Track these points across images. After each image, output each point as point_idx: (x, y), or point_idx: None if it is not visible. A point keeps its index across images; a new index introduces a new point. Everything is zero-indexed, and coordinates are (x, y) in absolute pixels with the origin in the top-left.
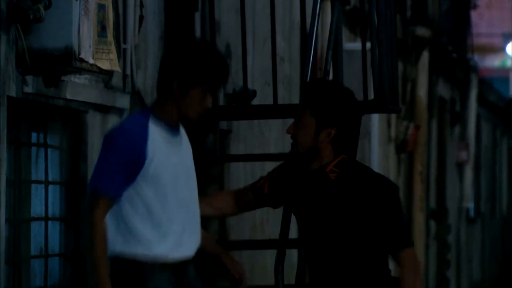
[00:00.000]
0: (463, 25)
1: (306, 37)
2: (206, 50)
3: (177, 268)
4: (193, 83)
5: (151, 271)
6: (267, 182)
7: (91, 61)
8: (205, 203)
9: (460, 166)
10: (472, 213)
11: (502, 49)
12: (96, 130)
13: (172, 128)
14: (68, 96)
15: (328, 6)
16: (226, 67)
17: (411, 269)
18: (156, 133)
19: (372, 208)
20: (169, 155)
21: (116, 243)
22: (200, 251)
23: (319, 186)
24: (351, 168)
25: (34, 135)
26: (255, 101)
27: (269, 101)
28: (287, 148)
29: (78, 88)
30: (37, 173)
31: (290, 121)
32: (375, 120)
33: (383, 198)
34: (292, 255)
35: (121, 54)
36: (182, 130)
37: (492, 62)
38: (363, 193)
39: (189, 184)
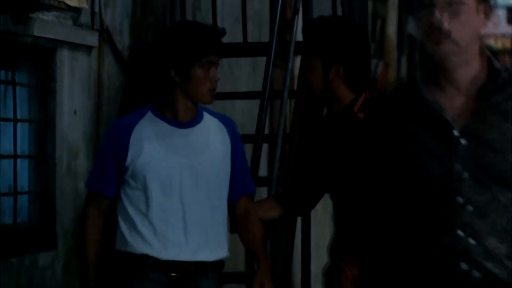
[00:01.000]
0: None
1: None
2: (185, 27)
3: (178, 272)
4: (189, 64)
5: (140, 269)
6: None
7: None
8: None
9: None
10: None
11: None
12: (65, 67)
13: (180, 123)
14: (36, 34)
15: None
16: (211, 33)
17: None
18: (147, 128)
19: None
20: (165, 152)
21: (117, 236)
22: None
23: (347, 128)
24: None
25: (2, 73)
26: (225, 39)
27: (239, 38)
28: (257, 87)
29: (46, 25)
30: (6, 110)
31: (261, 58)
32: None
33: None
34: (262, 192)
35: None
36: (211, 124)
37: None
38: None
39: (196, 183)
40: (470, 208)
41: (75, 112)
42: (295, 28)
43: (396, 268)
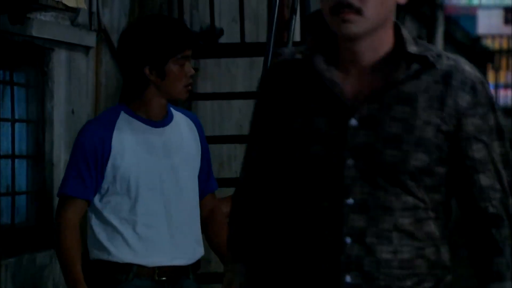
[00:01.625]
0: None
1: None
2: (156, 22)
3: (164, 276)
4: (164, 60)
5: (124, 277)
6: None
7: None
8: None
9: None
10: None
11: None
12: (63, 67)
13: (154, 122)
14: (34, 34)
15: None
16: (184, 28)
17: None
18: (126, 130)
19: None
20: (145, 154)
21: (94, 249)
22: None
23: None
24: None
25: (0, 73)
26: (222, 39)
27: (236, 38)
28: (254, 86)
29: (44, 26)
30: (3, 110)
31: (258, 58)
32: None
33: None
34: None
35: None
36: (181, 121)
37: None
38: None
39: (175, 183)
40: (357, 208)
41: (73, 112)
42: (292, 28)
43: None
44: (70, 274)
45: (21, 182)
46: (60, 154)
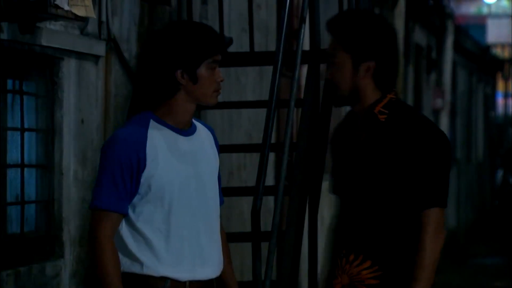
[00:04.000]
0: None
1: None
2: (189, 26)
3: None
4: (197, 63)
5: None
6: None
7: (66, 7)
8: None
9: (436, 112)
10: None
11: None
12: (72, 76)
13: (182, 130)
14: (44, 43)
15: None
16: (214, 32)
17: (433, 233)
18: (158, 138)
19: (414, 158)
20: (177, 162)
21: (125, 259)
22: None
23: (366, 128)
24: (401, 110)
25: (9, 82)
26: (232, 48)
27: (246, 47)
28: (263, 95)
29: (53, 35)
30: (13, 120)
31: (267, 67)
32: None
33: (429, 148)
34: (269, 201)
35: (97, 0)
36: (202, 131)
37: (468, 9)
38: (412, 140)
39: (203, 193)
40: None
41: (82, 121)
42: (302, 37)
43: None
44: None
45: (31, 191)
46: (70, 163)
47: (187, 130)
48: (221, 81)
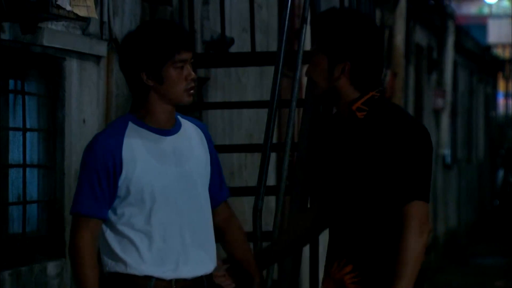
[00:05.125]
0: None
1: None
2: (152, 27)
3: None
4: (159, 64)
5: None
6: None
7: (68, 7)
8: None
9: (437, 112)
10: (448, 159)
11: None
12: (74, 77)
13: (163, 130)
14: (45, 43)
15: None
16: (179, 30)
17: (416, 227)
18: (135, 141)
19: (394, 152)
20: (157, 163)
21: (109, 260)
22: (229, 255)
23: (345, 126)
24: (381, 107)
25: (11, 82)
26: (233, 48)
27: (247, 47)
28: (264, 95)
29: (55, 35)
30: (15, 120)
31: (268, 67)
32: None
33: (408, 142)
34: (270, 201)
35: (98, 0)
36: (189, 129)
37: (469, 9)
38: (390, 134)
39: (191, 191)
40: None
41: (84, 121)
42: (303, 37)
43: None
44: None
45: (33, 191)
46: (71, 163)
47: (169, 130)
48: (193, 78)
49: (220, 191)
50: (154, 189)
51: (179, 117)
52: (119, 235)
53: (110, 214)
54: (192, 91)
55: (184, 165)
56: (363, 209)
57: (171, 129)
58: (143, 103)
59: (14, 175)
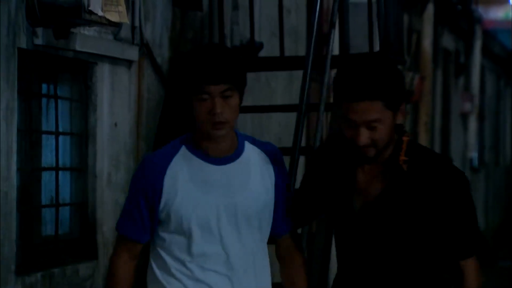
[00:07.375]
0: None
1: None
2: (189, 54)
3: None
4: (188, 95)
5: None
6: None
7: (100, 13)
8: None
9: (465, 116)
10: (476, 162)
11: (506, 1)
12: (105, 81)
13: (215, 158)
14: (78, 48)
15: None
16: (207, 61)
17: (475, 280)
18: (181, 168)
19: (443, 205)
20: (199, 192)
21: (151, 280)
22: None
23: (387, 177)
24: (419, 154)
25: (44, 86)
26: (262, 53)
27: (276, 52)
28: (293, 99)
29: (87, 40)
30: (48, 123)
31: (297, 72)
32: None
33: (457, 194)
34: None
35: (130, 6)
36: (253, 157)
37: (496, 13)
38: (436, 187)
39: (239, 224)
40: None
41: (115, 124)
42: (331, 42)
43: None
44: None
45: (65, 194)
46: (103, 167)
47: (222, 158)
48: (216, 113)
49: (283, 221)
50: (193, 218)
51: (247, 142)
52: (160, 260)
53: (156, 237)
54: (218, 126)
55: (235, 196)
56: (407, 262)
57: (226, 156)
58: (195, 130)
59: (47, 178)
